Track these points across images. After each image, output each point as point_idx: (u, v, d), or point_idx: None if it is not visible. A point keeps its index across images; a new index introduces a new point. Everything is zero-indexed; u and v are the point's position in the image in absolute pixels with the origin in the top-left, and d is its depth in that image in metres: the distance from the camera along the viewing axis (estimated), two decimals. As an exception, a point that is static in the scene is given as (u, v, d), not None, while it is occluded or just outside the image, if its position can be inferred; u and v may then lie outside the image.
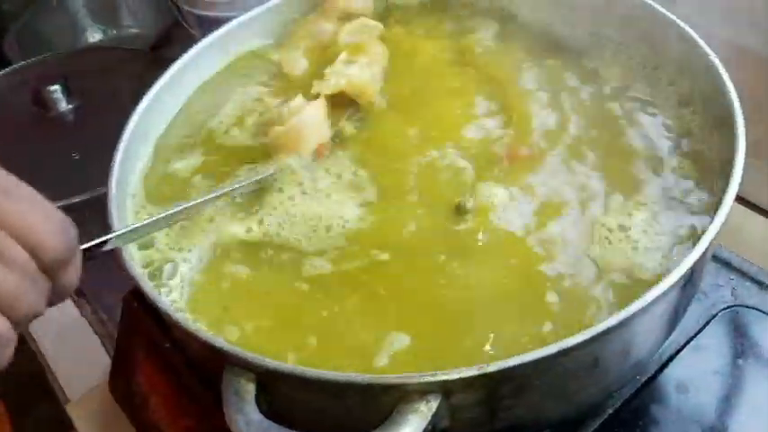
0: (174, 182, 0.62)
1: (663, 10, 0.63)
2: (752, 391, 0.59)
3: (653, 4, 0.64)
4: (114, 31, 1.41)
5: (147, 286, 0.46)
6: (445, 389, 0.39)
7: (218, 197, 0.56)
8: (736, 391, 0.59)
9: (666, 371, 0.59)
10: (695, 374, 0.59)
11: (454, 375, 0.38)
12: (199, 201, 0.55)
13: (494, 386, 0.41)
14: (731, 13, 0.75)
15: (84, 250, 0.41)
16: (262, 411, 0.40)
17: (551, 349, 0.39)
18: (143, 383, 0.65)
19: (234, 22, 0.72)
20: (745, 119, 0.52)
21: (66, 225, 0.37)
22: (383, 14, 0.77)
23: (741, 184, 0.48)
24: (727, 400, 0.58)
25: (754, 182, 0.75)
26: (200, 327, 0.46)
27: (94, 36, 1.40)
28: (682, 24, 0.61)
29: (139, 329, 0.64)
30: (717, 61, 0.56)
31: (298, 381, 0.40)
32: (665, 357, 0.60)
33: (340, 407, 0.41)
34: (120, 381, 0.69)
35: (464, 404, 0.41)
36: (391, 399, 0.39)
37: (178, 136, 0.67)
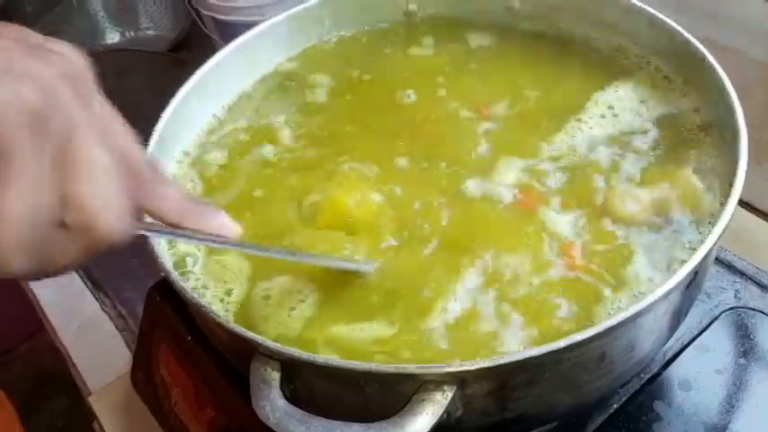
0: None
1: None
2: (753, 389, 0.61)
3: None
4: (132, 33, 1.43)
5: (177, 280, 0.48)
6: (460, 379, 0.41)
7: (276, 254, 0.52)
8: (738, 389, 0.61)
9: (670, 369, 0.61)
10: (698, 373, 0.61)
11: (469, 366, 0.40)
12: (254, 247, 0.50)
13: (506, 377, 0.43)
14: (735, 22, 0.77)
15: None
16: (285, 398, 0.42)
17: (561, 343, 0.41)
18: (165, 375, 0.67)
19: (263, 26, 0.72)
20: (750, 125, 0.52)
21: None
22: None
23: (746, 189, 0.49)
24: (729, 398, 0.60)
25: (760, 187, 0.77)
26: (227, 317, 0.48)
27: (113, 38, 1.43)
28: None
29: (162, 323, 0.66)
30: (717, 66, 0.57)
31: (319, 369, 0.42)
32: (669, 356, 0.62)
33: (359, 394, 0.43)
34: (142, 373, 0.72)
35: (477, 394, 0.43)
36: (409, 388, 0.41)
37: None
